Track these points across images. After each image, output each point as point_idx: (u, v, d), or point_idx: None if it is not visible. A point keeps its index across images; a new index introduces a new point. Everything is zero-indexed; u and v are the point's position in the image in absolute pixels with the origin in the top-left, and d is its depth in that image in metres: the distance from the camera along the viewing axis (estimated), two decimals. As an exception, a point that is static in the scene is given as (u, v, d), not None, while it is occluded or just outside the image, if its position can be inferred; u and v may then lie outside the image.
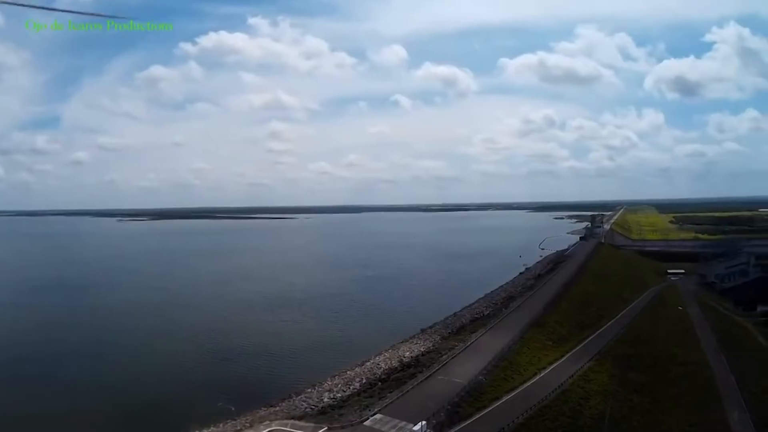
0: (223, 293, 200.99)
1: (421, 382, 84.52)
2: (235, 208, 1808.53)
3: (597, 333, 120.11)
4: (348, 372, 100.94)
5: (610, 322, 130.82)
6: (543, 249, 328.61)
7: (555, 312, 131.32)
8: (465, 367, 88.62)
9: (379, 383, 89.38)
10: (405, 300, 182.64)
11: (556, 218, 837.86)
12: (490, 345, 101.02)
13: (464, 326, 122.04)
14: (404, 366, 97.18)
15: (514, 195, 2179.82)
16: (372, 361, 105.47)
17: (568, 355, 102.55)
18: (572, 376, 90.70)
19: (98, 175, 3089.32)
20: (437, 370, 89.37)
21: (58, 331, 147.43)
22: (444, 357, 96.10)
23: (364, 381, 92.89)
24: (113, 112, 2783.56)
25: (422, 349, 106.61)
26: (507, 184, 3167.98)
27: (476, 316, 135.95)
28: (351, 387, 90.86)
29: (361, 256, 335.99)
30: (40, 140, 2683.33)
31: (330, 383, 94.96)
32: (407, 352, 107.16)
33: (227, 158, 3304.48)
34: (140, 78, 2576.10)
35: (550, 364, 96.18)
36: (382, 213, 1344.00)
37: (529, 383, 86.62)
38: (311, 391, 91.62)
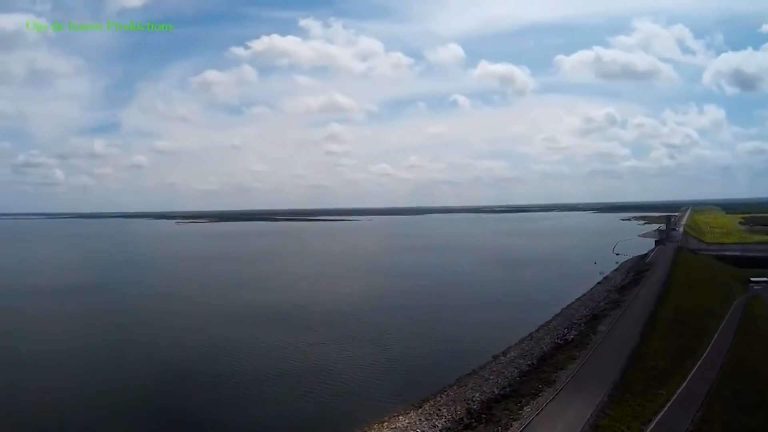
0: (257, 304, 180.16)
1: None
2: (295, 210, 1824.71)
3: (699, 363, 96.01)
4: (400, 417, 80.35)
5: (708, 347, 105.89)
6: (618, 254, 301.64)
7: (652, 338, 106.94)
8: (556, 429, 66.25)
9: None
10: (469, 316, 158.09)
11: (622, 219, 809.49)
12: (584, 390, 76.97)
13: (545, 357, 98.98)
14: (473, 416, 74.67)
15: (574, 195, 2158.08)
16: (431, 403, 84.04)
17: (674, 398, 78.91)
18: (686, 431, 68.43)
19: (158, 179, 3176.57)
20: (519, 434, 66.46)
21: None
22: (526, 408, 72.15)
23: (420, 438, 71.87)
24: (169, 116, 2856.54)
25: (495, 390, 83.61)
26: (567, 184, 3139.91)
27: (558, 341, 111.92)
28: (404, 444, 70.30)
29: (419, 260, 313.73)
30: (99, 145, 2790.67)
31: (377, 434, 74.92)
32: (476, 393, 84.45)
33: (286, 160, 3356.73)
34: (195, 82, 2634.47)
35: (656, 413, 72.97)
36: (444, 215, 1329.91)
37: (638, 447, 64.38)
38: (354, 445, 71.86)
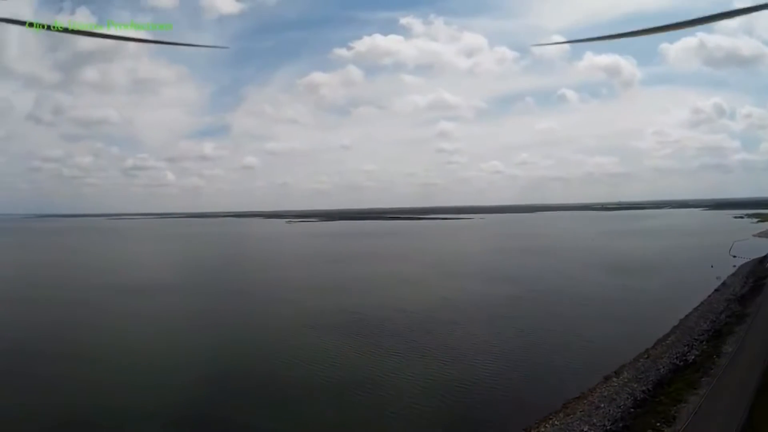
0: (356, 307, 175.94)
1: None
2: (406, 209, 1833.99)
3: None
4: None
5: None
6: (734, 256, 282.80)
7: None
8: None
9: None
10: (580, 326, 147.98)
11: (735, 217, 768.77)
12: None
13: (663, 381, 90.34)
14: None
15: (684, 191, 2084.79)
16: (534, 435, 77.98)
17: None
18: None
19: (269, 179, 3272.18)
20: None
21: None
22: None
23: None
24: (278, 118, 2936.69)
25: (607, 424, 76.01)
26: (677, 179, 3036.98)
27: (677, 362, 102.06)
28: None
29: (530, 262, 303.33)
30: (208, 147, 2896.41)
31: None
32: (585, 425, 77.27)
33: (396, 159, 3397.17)
34: (301, 85, 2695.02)
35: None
36: (554, 212, 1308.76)
37: None
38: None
